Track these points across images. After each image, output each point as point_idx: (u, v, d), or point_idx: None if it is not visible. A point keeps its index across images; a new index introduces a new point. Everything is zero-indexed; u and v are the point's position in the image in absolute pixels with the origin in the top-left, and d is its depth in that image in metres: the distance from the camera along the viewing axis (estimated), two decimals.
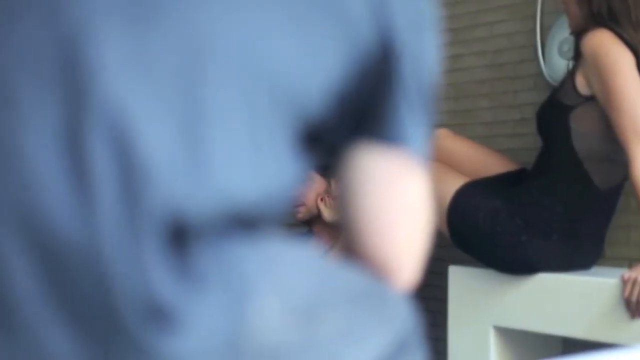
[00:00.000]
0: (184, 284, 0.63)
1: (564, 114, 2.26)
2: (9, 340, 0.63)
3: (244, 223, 0.69)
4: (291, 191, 0.76)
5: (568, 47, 2.64)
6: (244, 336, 0.65)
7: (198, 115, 0.67)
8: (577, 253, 2.33)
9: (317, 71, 0.75)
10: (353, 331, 0.76)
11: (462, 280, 2.52)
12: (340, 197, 0.85)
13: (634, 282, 2.07)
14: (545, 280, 2.31)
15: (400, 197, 0.83)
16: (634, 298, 2.06)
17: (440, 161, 2.48)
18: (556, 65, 2.73)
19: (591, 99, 2.23)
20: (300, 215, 3.07)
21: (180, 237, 0.64)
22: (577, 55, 2.34)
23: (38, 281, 0.62)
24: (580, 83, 2.24)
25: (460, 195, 2.39)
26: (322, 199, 3.08)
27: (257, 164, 0.70)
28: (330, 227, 2.99)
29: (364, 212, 0.83)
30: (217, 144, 0.67)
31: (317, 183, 3.12)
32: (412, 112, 0.82)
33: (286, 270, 0.72)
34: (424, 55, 0.83)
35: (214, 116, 0.68)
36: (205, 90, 0.68)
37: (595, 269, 2.40)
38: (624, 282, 2.10)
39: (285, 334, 0.68)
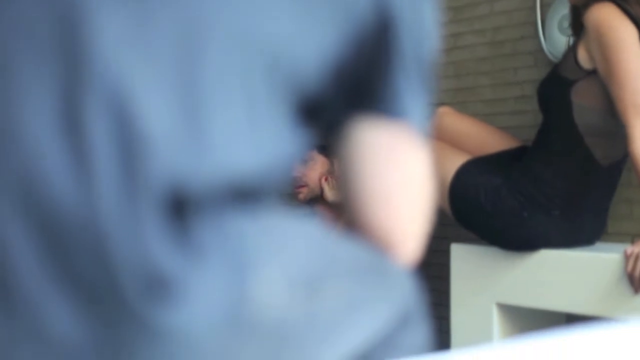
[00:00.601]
0: (184, 255, 0.63)
1: (565, 88, 2.25)
2: (7, 314, 0.62)
3: (244, 196, 0.69)
4: (290, 165, 0.75)
5: (568, 23, 2.63)
6: (245, 308, 0.65)
7: (196, 89, 0.67)
8: (580, 229, 2.33)
9: (314, 45, 0.75)
10: (355, 305, 0.76)
11: (464, 258, 2.53)
12: (340, 172, 0.84)
13: (637, 257, 2.07)
14: (547, 257, 2.32)
15: (400, 170, 0.83)
16: (637, 273, 2.06)
17: (442, 139, 2.48)
18: (557, 41, 2.72)
19: (593, 72, 2.22)
20: (302, 196, 3.08)
21: (180, 208, 0.64)
22: (577, 29, 2.33)
23: (37, 254, 0.62)
24: (582, 56, 2.23)
25: (462, 173, 2.39)
26: (325, 179, 3.08)
27: (256, 137, 0.70)
28: (333, 207, 3.00)
29: (365, 186, 0.82)
30: (215, 117, 0.67)
31: (320, 163, 3.12)
32: (410, 85, 0.82)
33: (288, 243, 0.71)
34: (422, 28, 0.83)
35: (212, 90, 0.68)
36: (204, 64, 0.68)
37: (598, 245, 2.40)
38: (627, 257, 2.10)
39: (287, 306, 0.68)
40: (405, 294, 0.84)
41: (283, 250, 0.70)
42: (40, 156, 0.62)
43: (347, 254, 0.79)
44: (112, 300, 0.62)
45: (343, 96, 0.81)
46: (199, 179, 0.65)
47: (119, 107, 0.63)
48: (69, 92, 0.63)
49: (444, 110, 2.61)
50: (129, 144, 0.62)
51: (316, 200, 3.09)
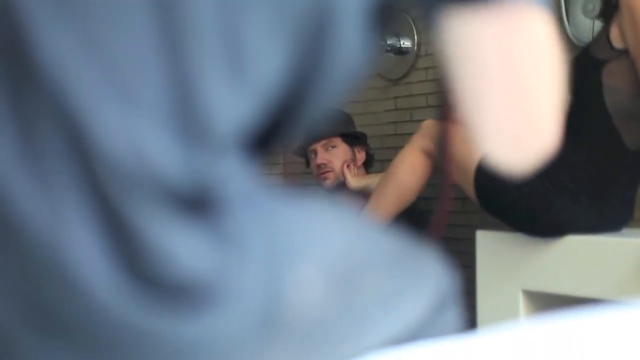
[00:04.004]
0: (218, 250, 0.59)
1: (596, 68, 2.22)
2: None
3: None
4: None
5: (592, 6, 2.60)
6: (281, 311, 0.62)
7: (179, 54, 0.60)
8: (606, 214, 2.31)
9: None
10: (392, 297, 0.75)
11: (490, 245, 2.51)
12: (452, 78, 0.71)
13: None
14: (574, 243, 2.30)
15: (520, 54, 0.69)
16: None
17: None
18: (581, 25, 2.69)
19: (624, 52, 2.18)
20: (329, 182, 3.11)
21: (198, 204, 0.59)
22: (608, 11, 2.29)
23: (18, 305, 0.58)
24: (615, 35, 2.19)
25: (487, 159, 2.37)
26: (347, 166, 3.11)
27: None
28: (355, 195, 3.00)
29: (483, 85, 0.70)
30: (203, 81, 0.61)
31: (342, 151, 3.14)
32: None
33: (324, 236, 0.69)
34: None
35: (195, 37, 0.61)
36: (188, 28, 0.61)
37: (625, 231, 2.38)
38: None
39: (323, 305, 0.66)
40: (439, 284, 0.82)
41: (319, 245, 0.67)
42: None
43: (383, 244, 0.77)
44: (107, 337, 0.57)
45: None
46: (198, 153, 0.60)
47: (71, 121, 0.57)
48: (18, 105, 0.58)
49: None
50: (87, 158, 0.57)
51: (340, 188, 3.11)
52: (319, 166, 3.14)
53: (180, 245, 0.58)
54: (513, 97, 0.70)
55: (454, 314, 0.85)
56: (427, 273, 0.81)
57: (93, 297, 0.57)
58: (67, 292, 0.57)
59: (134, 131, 0.58)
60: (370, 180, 3.01)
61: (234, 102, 0.62)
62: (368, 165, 3.28)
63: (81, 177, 0.57)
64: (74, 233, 0.56)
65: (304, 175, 3.32)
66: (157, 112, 0.59)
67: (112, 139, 0.57)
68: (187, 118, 0.59)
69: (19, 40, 0.58)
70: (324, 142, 3.13)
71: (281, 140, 0.72)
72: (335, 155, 3.14)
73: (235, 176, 0.62)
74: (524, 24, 0.69)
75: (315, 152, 3.16)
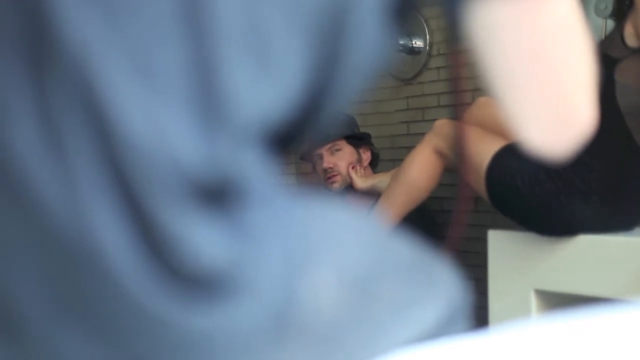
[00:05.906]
0: (237, 244, 0.59)
1: (609, 67, 2.20)
2: (16, 349, 0.60)
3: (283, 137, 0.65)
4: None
5: (605, 5, 2.59)
6: (295, 311, 0.61)
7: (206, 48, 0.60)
8: (618, 214, 2.30)
9: None
10: (406, 305, 0.74)
11: (501, 245, 2.51)
12: (485, 65, 0.71)
13: None
14: (586, 242, 2.29)
15: (545, 32, 0.69)
16: None
17: (480, 125, 2.45)
18: (593, 24, 2.69)
19: (638, 51, 2.17)
20: (337, 185, 3.12)
21: (219, 196, 0.59)
22: (622, 9, 2.28)
23: (39, 282, 0.58)
24: (629, 33, 2.18)
25: (499, 158, 2.37)
26: (352, 168, 3.13)
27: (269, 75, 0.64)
28: (363, 196, 3.01)
29: (511, 69, 0.70)
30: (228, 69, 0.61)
31: (348, 153, 3.15)
32: None
33: (341, 238, 0.68)
34: None
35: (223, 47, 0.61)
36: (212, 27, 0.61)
37: (637, 230, 2.37)
38: None
39: (338, 312, 0.65)
40: (452, 296, 0.81)
41: (336, 250, 0.66)
42: (21, 160, 0.57)
43: (399, 252, 0.76)
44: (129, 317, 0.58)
45: None
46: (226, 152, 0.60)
47: (94, 106, 0.57)
48: (42, 89, 0.58)
49: (485, 100, 2.58)
50: (109, 142, 0.57)
51: (348, 189, 3.12)
52: (325, 170, 3.15)
53: (199, 235, 0.58)
54: (547, 77, 0.70)
55: (463, 327, 0.84)
56: (441, 284, 0.80)
57: (118, 282, 0.57)
58: (90, 277, 0.57)
59: (156, 117, 0.58)
60: (377, 180, 3.01)
61: (258, 92, 0.62)
62: (374, 165, 3.29)
63: (104, 163, 0.57)
64: (98, 219, 0.56)
65: (315, 175, 3.32)
66: (181, 99, 0.59)
67: (135, 125, 0.57)
68: (211, 106, 0.60)
69: (43, 22, 0.58)
70: (328, 145, 3.14)
71: (300, 140, 0.72)
72: (341, 158, 3.15)
73: (256, 170, 0.61)
74: (549, 2, 0.69)
75: (320, 157, 3.17)
